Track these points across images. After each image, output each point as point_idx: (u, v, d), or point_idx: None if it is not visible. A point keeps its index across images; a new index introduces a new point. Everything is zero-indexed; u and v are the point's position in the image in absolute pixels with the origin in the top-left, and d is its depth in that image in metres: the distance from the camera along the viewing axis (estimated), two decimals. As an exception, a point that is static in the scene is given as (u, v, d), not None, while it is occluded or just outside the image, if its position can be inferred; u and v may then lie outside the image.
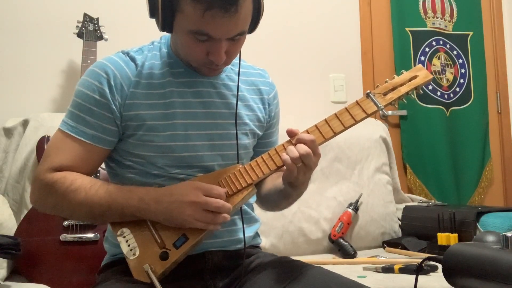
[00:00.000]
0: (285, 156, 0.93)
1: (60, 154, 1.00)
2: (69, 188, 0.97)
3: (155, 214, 0.95)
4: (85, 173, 1.01)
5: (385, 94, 0.98)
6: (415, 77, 1.00)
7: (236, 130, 1.06)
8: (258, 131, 1.14)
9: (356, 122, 0.97)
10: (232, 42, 0.96)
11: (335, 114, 0.97)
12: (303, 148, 0.92)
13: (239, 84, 1.09)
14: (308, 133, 0.96)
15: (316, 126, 0.97)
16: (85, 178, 0.99)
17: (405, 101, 1.00)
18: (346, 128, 0.97)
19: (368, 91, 0.99)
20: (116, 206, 0.96)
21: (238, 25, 0.93)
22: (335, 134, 0.97)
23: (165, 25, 0.95)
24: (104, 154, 1.04)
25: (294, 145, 0.94)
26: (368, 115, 0.97)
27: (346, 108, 0.97)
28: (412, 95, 1.00)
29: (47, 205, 1.02)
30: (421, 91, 1.02)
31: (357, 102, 0.98)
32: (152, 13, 0.96)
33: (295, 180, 0.96)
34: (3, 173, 1.69)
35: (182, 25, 0.93)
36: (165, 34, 1.08)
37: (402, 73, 1.01)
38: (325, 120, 0.97)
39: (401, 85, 0.99)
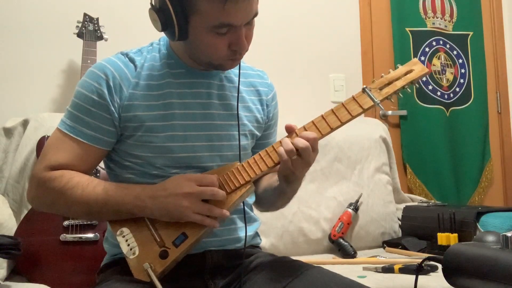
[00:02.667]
0: (280, 149, 0.93)
1: (58, 153, 1.00)
2: (66, 186, 0.97)
3: (151, 210, 0.95)
4: (82, 172, 1.01)
5: (381, 88, 0.98)
6: (411, 71, 1.00)
7: (239, 131, 1.06)
8: (256, 132, 1.14)
9: (353, 117, 0.97)
10: (248, 26, 0.97)
11: (332, 110, 0.97)
12: (302, 142, 0.92)
13: (239, 85, 1.09)
14: (305, 129, 0.97)
15: (313, 122, 0.98)
16: (82, 176, 1.00)
17: (401, 95, 1.00)
18: (342, 124, 0.97)
19: (364, 86, 0.99)
20: (112, 203, 0.96)
21: (253, 6, 0.94)
22: (332, 129, 0.97)
23: (182, 32, 0.94)
24: (102, 154, 1.04)
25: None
26: (365, 110, 0.97)
27: (342, 103, 0.98)
28: (408, 89, 1.00)
29: (44, 202, 1.03)
30: (417, 84, 1.02)
31: (353, 97, 0.98)
32: (165, 26, 0.95)
33: (291, 174, 0.97)
34: (3, 173, 1.69)
35: (200, 25, 0.93)
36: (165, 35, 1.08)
37: (398, 67, 1.01)
38: (322, 116, 0.97)
39: (397, 79, 0.99)
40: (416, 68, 1.00)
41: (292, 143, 0.92)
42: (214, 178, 0.96)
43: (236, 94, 1.09)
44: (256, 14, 0.97)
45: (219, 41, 0.95)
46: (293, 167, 0.94)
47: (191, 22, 0.93)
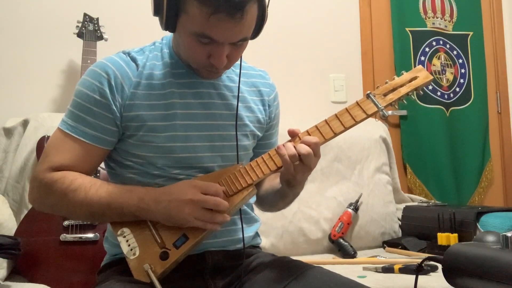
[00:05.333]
0: (283, 151, 0.93)
1: (59, 153, 1.00)
2: (69, 188, 0.97)
3: (154, 214, 0.95)
4: (84, 173, 1.01)
5: (385, 95, 0.98)
6: (415, 78, 1.00)
7: (236, 131, 1.06)
8: (258, 133, 1.14)
9: (356, 122, 0.97)
10: (235, 47, 0.96)
11: (336, 115, 0.97)
12: (304, 148, 0.92)
13: (240, 85, 1.09)
14: (309, 133, 0.97)
15: (316, 126, 0.97)
16: (84, 177, 0.99)
17: (405, 102, 1.01)
18: (346, 129, 0.97)
19: (368, 92, 0.99)
20: (116, 206, 0.96)
21: (242, 31, 0.93)
22: (335, 134, 0.97)
23: (169, 24, 0.94)
24: (103, 154, 1.04)
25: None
26: (369, 116, 0.97)
27: (346, 108, 0.98)
28: (412, 95, 1.01)
29: (46, 204, 1.02)
30: (421, 91, 1.02)
31: (357, 103, 0.98)
32: (156, 11, 0.95)
33: (292, 179, 0.97)
34: (3, 173, 1.69)
35: (185, 26, 0.93)
36: (167, 35, 1.08)
37: (403, 74, 1.01)
38: (326, 120, 0.97)
39: (401, 86, 0.99)
40: (421, 75, 1.00)
41: (295, 148, 0.92)
42: (220, 189, 0.95)
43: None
44: (245, 39, 0.96)
45: (199, 48, 0.95)
46: (295, 172, 0.94)
47: (180, 19, 0.93)
